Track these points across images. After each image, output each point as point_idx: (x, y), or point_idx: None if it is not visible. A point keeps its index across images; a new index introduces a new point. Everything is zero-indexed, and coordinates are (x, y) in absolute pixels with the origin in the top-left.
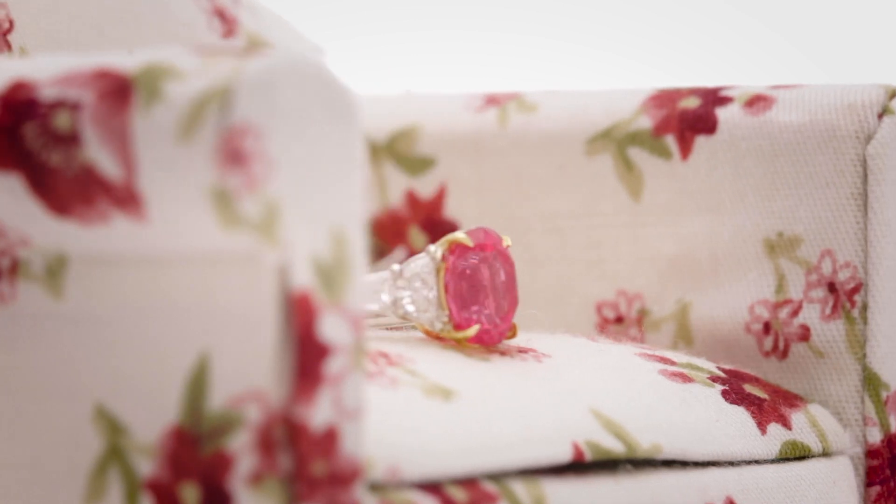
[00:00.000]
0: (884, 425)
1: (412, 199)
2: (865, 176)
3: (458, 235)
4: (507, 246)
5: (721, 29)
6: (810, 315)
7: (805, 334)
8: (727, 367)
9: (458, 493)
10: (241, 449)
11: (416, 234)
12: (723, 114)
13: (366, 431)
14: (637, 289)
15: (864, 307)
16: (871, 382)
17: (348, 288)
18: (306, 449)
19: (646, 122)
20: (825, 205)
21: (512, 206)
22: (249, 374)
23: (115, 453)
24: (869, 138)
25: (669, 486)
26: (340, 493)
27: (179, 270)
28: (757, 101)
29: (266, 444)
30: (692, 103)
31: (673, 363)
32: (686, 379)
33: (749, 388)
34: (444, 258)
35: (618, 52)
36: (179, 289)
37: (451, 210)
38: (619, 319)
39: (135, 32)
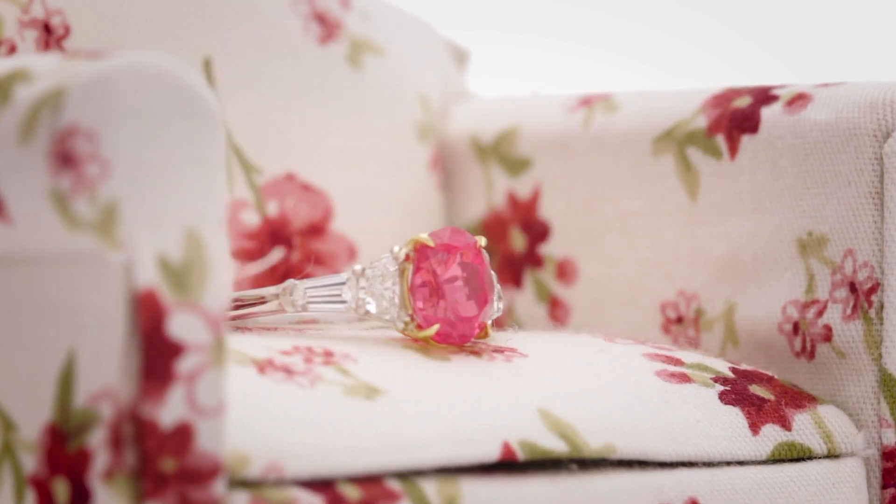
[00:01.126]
0: None
1: (512, 200)
2: (883, 174)
3: (421, 236)
4: (481, 246)
5: (721, 29)
6: (833, 315)
7: (828, 335)
8: (743, 367)
9: (351, 491)
10: (98, 446)
11: (516, 235)
12: (766, 113)
13: (230, 428)
14: (694, 289)
15: (881, 307)
16: (886, 383)
17: (204, 287)
18: (153, 446)
19: (702, 122)
20: (847, 204)
21: (593, 206)
22: (105, 372)
23: (7, 449)
24: (886, 136)
25: (618, 486)
26: (193, 489)
27: (45, 270)
28: (797, 100)
29: (116, 441)
30: (743, 102)
31: (680, 363)
32: (684, 380)
33: (755, 389)
34: (407, 258)
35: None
36: (48, 289)
37: (545, 210)
38: (680, 320)
39: (216, 40)
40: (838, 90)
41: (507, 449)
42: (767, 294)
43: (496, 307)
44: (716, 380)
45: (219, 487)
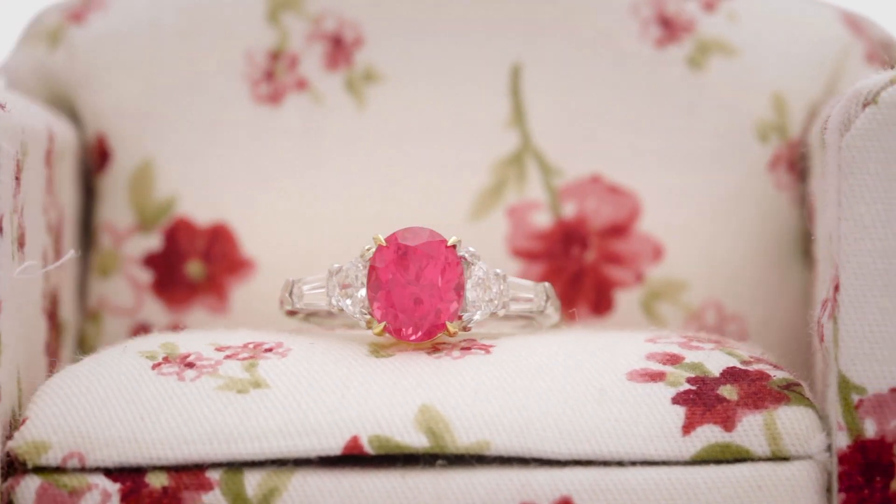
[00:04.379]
0: (852, 430)
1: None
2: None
3: (377, 236)
4: (451, 246)
5: None
6: (825, 315)
7: (822, 334)
8: (750, 367)
9: (157, 480)
10: None
11: None
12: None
13: (40, 419)
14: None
15: (840, 307)
16: (840, 385)
17: None
18: None
19: None
20: (832, 198)
21: None
22: None
23: None
24: (847, 129)
25: (479, 482)
26: None
27: None
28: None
29: None
30: None
31: (676, 362)
32: (654, 379)
33: (722, 390)
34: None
35: None
36: None
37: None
38: None
39: (531, 45)
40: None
41: (354, 443)
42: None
43: (489, 306)
44: (690, 380)
45: None
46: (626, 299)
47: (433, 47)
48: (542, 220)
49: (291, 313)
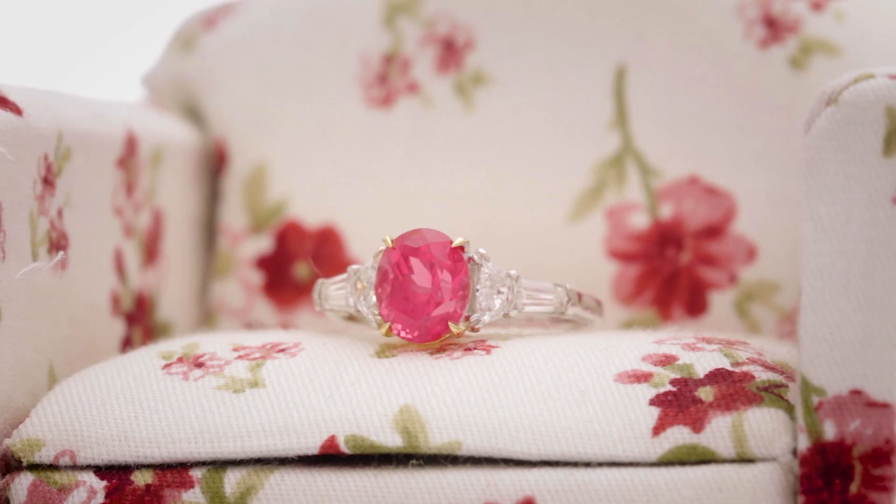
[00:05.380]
0: (812, 432)
1: None
2: None
3: (385, 237)
4: (457, 247)
5: None
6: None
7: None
8: (740, 369)
9: (142, 477)
10: None
11: None
12: None
13: (36, 417)
14: None
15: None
16: (802, 386)
17: None
18: None
19: None
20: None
21: None
22: None
23: None
24: (809, 128)
25: (445, 482)
26: None
27: None
28: None
29: None
30: None
31: (667, 363)
32: (639, 380)
33: (700, 392)
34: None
35: None
36: None
37: None
38: None
39: (636, 46)
40: None
41: (331, 442)
42: None
43: (502, 307)
44: (673, 381)
45: None
46: (720, 301)
47: (541, 50)
48: (640, 221)
49: (333, 313)
